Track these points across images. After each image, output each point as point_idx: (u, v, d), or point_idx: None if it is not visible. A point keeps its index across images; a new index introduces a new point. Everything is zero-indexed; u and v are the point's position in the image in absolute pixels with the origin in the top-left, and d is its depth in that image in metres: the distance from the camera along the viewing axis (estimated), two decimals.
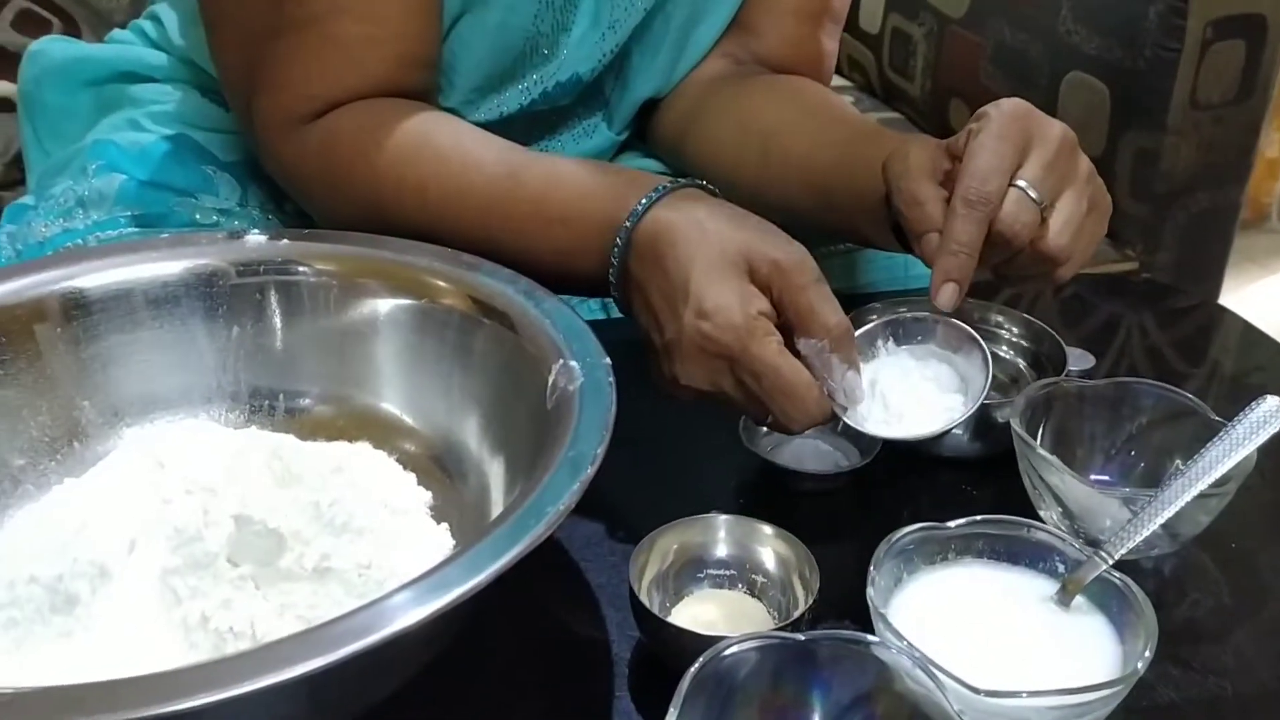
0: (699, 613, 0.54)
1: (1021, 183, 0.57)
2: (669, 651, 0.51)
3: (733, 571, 0.55)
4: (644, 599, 0.51)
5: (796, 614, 0.51)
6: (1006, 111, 0.59)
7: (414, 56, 0.71)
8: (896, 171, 0.61)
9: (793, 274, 0.55)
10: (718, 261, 0.55)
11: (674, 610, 0.54)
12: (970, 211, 0.56)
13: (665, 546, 0.55)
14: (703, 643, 0.46)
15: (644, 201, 0.58)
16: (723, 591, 0.55)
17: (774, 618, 0.53)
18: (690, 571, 0.55)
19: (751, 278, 0.55)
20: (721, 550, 0.56)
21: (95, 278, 0.59)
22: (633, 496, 0.62)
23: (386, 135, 0.67)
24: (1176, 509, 0.52)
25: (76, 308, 0.58)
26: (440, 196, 0.65)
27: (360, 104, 0.69)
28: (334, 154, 0.68)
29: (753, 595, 0.55)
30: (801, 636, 0.45)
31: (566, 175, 0.64)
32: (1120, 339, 0.83)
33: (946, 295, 0.57)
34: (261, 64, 0.68)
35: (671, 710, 0.42)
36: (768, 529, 0.55)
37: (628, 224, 0.58)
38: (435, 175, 0.66)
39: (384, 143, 0.67)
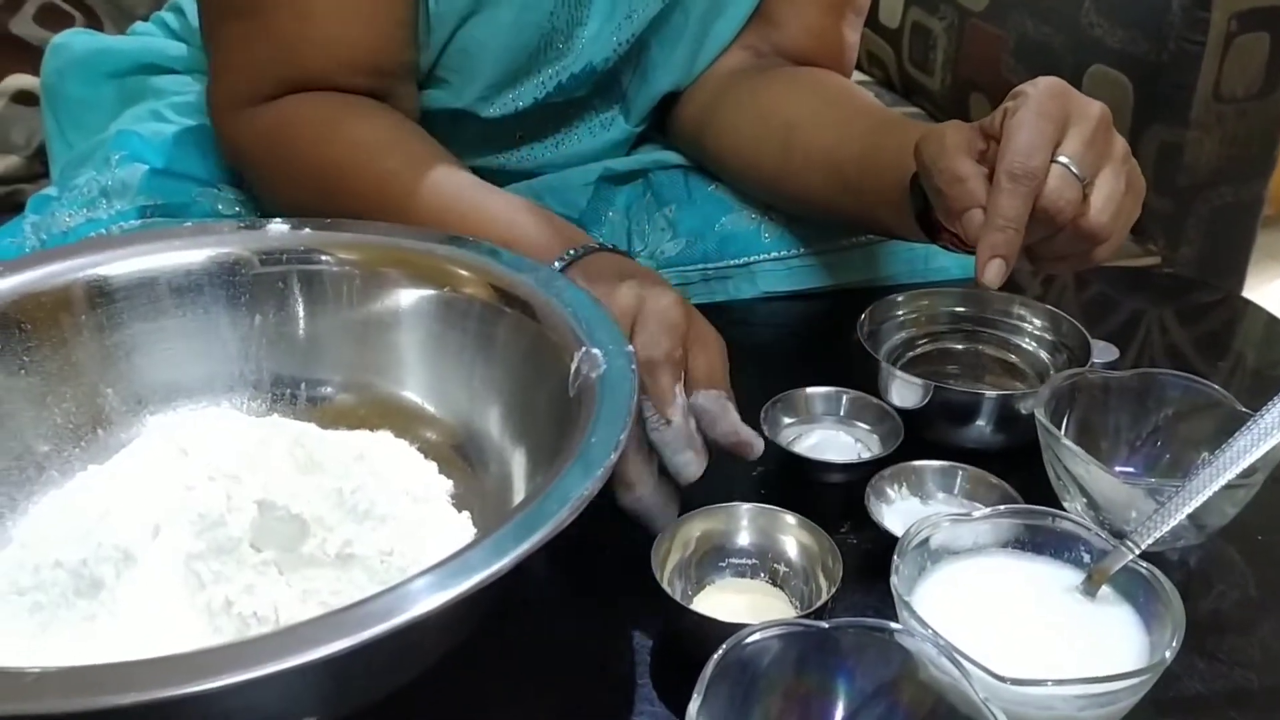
0: (721, 601, 0.53)
1: (1063, 159, 0.56)
2: (691, 639, 0.50)
3: (755, 561, 0.55)
4: (666, 587, 0.51)
5: (819, 603, 0.51)
6: (1044, 89, 0.58)
7: (357, 62, 0.72)
8: (932, 151, 0.60)
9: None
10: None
11: (696, 599, 0.54)
12: (1016, 186, 0.55)
13: (687, 535, 0.55)
14: (724, 630, 0.45)
15: (566, 255, 0.62)
16: (745, 580, 0.55)
17: (796, 607, 0.53)
18: (712, 560, 0.55)
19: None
20: (744, 539, 0.55)
21: (120, 266, 0.59)
22: None
23: (338, 131, 0.69)
24: (1203, 499, 0.51)
25: (101, 295, 0.59)
26: (377, 209, 0.66)
27: (317, 95, 0.71)
28: (281, 140, 0.70)
29: (775, 585, 0.55)
30: (825, 624, 0.45)
31: (500, 216, 0.67)
32: (1143, 332, 0.82)
33: (994, 271, 0.56)
34: (213, 47, 0.72)
35: (695, 697, 0.42)
36: (790, 518, 0.55)
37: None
38: (377, 192, 0.68)
39: (336, 138, 0.69)
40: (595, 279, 0.59)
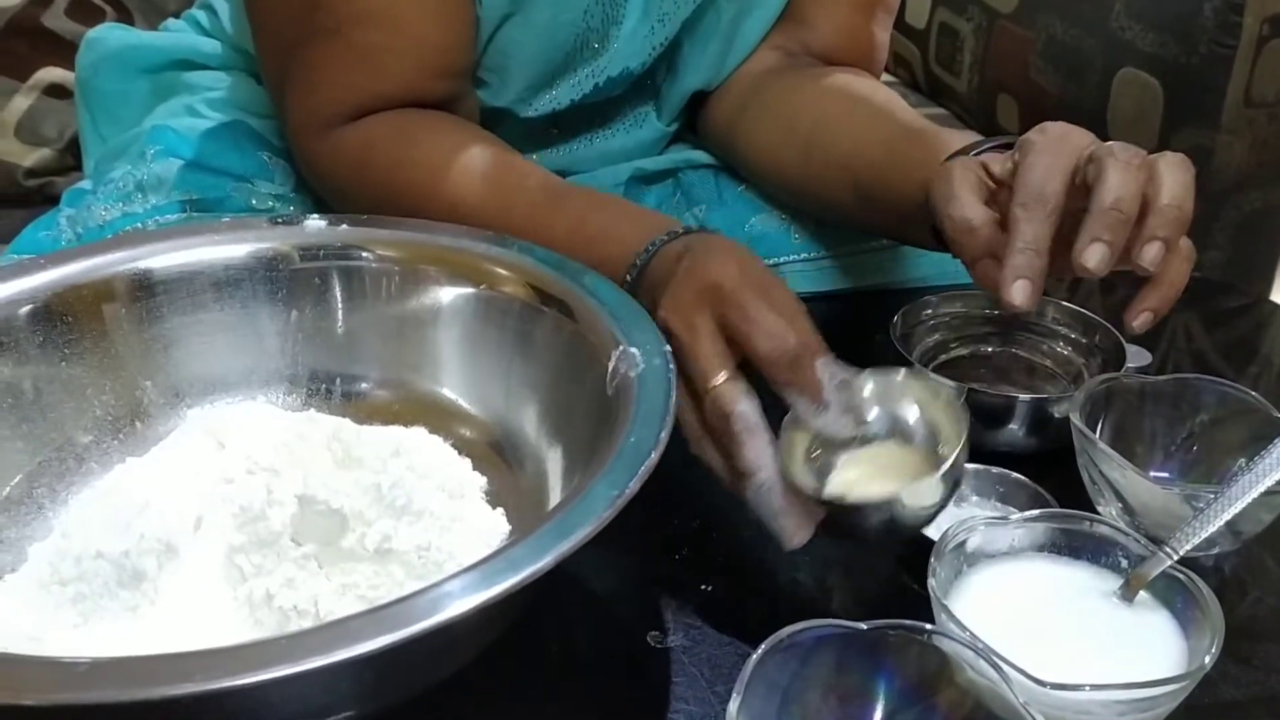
0: (855, 478, 0.53)
1: (1103, 153, 0.55)
2: (833, 526, 0.51)
3: (881, 424, 0.55)
4: (799, 479, 0.51)
5: (951, 456, 0.50)
6: (1052, 131, 0.57)
7: (437, 66, 0.72)
8: (942, 195, 0.59)
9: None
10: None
11: (831, 478, 0.53)
12: (1031, 213, 0.55)
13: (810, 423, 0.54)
14: (851, 512, 0.50)
15: (671, 232, 0.61)
16: (873, 448, 0.54)
17: (929, 462, 0.52)
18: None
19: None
20: (867, 406, 0.55)
21: (161, 259, 0.60)
22: (684, 486, 0.62)
23: (427, 147, 0.70)
24: (1242, 506, 0.51)
25: (141, 289, 0.59)
26: (477, 214, 0.66)
27: (398, 112, 0.71)
28: (369, 160, 0.71)
29: (906, 443, 0.54)
30: (863, 625, 0.45)
31: (605, 200, 0.67)
32: (1171, 337, 0.82)
33: (1020, 291, 0.54)
34: (293, 68, 0.71)
35: (734, 696, 0.42)
36: (899, 375, 0.55)
37: (650, 246, 0.61)
38: (474, 193, 0.68)
39: (412, 161, 0.70)
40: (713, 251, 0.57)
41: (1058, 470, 0.61)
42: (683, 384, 0.53)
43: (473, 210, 0.67)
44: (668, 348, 0.53)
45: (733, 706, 0.42)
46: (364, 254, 0.62)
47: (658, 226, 0.63)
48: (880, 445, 0.54)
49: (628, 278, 0.61)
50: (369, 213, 0.65)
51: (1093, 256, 0.53)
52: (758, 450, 0.51)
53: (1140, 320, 0.56)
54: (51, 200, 0.86)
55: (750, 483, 0.52)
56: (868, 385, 0.55)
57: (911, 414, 0.55)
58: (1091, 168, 0.55)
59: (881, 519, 0.51)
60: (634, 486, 0.45)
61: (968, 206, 0.58)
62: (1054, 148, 0.56)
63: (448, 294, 0.61)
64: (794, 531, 0.51)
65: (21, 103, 1.02)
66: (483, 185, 0.68)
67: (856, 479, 0.53)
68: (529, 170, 0.70)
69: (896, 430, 0.55)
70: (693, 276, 0.55)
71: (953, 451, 0.51)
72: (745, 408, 0.52)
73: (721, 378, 0.52)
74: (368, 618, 0.38)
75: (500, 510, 0.56)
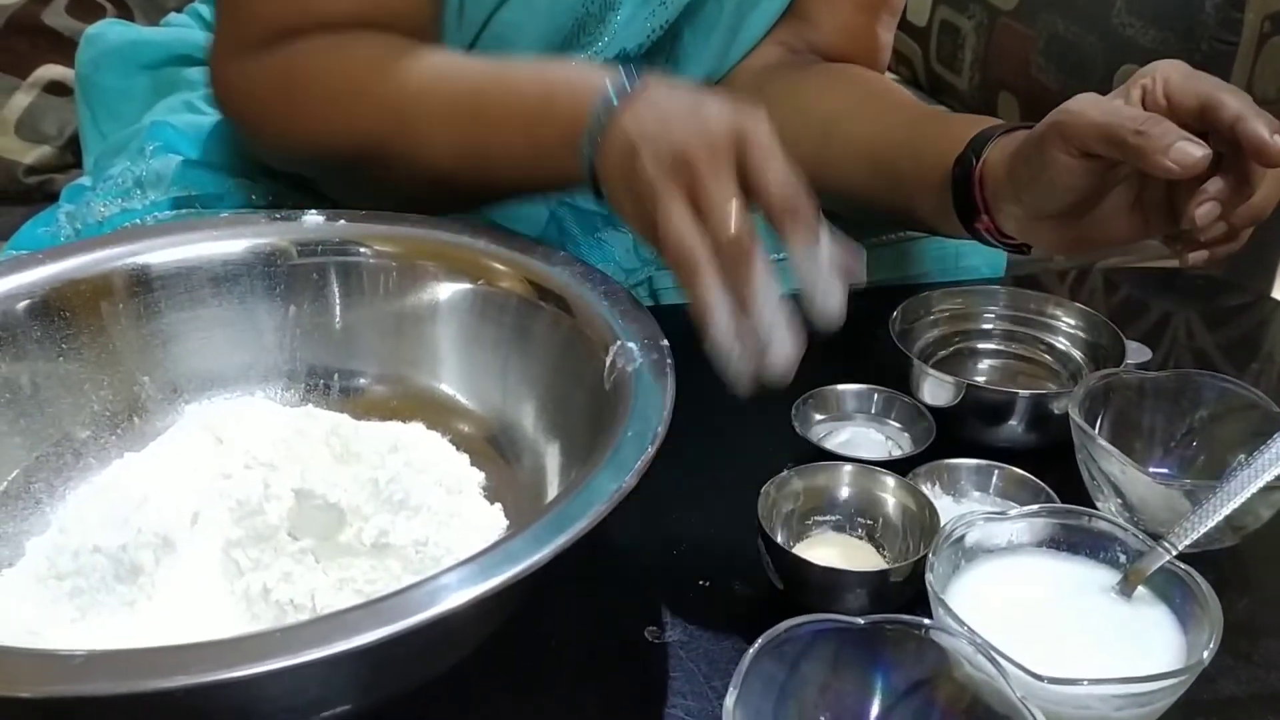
0: (819, 553, 0.55)
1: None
2: (790, 582, 0.54)
3: (855, 516, 0.58)
4: (771, 534, 0.54)
5: (913, 558, 0.52)
6: (1175, 64, 0.60)
7: (374, 18, 0.68)
8: (1100, 114, 0.58)
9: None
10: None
11: (796, 548, 0.55)
12: (1261, 116, 0.55)
13: (793, 489, 0.57)
14: (819, 574, 0.52)
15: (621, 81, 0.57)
16: (843, 535, 0.57)
17: (886, 559, 0.56)
18: (813, 514, 0.58)
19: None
20: (844, 496, 0.58)
21: (159, 255, 0.60)
22: (681, 482, 0.62)
23: (363, 48, 0.66)
24: (1241, 501, 0.51)
25: (139, 284, 0.59)
26: (393, 115, 0.63)
27: (330, 31, 0.68)
28: (287, 72, 0.67)
29: (873, 540, 0.57)
30: (861, 620, 0.45)
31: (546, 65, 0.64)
32: (1173, 334, 0.82)
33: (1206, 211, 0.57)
34: (219, 5, 0.69)
35: (731, 691, 0.42)
36: (890, 479, 0.57)
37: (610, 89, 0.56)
38: (396, 95, 0.64)
39: (346, 57, 0.66)
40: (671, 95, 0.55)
41: (1057, 466, 0.61)
42: (678, 209, 0.50)
43: (414, 100, 0.63)
44: (665, 342, 0.53)
45: (729, 701, 0.42)
46: (362, 249, 0.62)
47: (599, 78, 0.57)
48: (849, 536, 0.57)
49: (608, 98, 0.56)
50: (291, 138, 0.62)
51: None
52: (770, 282, 0.50)
53: (1205, 209, 0.57)
54: (51, 197, 0.86)
55: (755, 313, 0.50)
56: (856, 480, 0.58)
57: (890, 511, 0.57)
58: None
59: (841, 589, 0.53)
60: (631, 480, 0.45)
61: (1132, 109, 0.58)
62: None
63: (445, 289, 0.61)
64: (785, 369, 0.51)
65: (22, 100, 1.02)
66: (428, 72, 0.64)
67: (820, 554, 0.55)
68: (470, 59, 0.67)
69: (868, 526, 0.58)
70: (713, 112, 0.53)
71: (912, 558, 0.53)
72: (758, 240, 0.50)
73: (740, 203, 0.50)
74: (365, 610, 0.38)
75: (498, 505, 0.56)
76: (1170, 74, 0.59)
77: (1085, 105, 0.59)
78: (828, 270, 0.51)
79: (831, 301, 0.51)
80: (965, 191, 0.66)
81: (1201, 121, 0.57)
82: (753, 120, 0.52)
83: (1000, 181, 0.64)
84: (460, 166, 0.63)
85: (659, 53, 0.82)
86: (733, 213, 0.50)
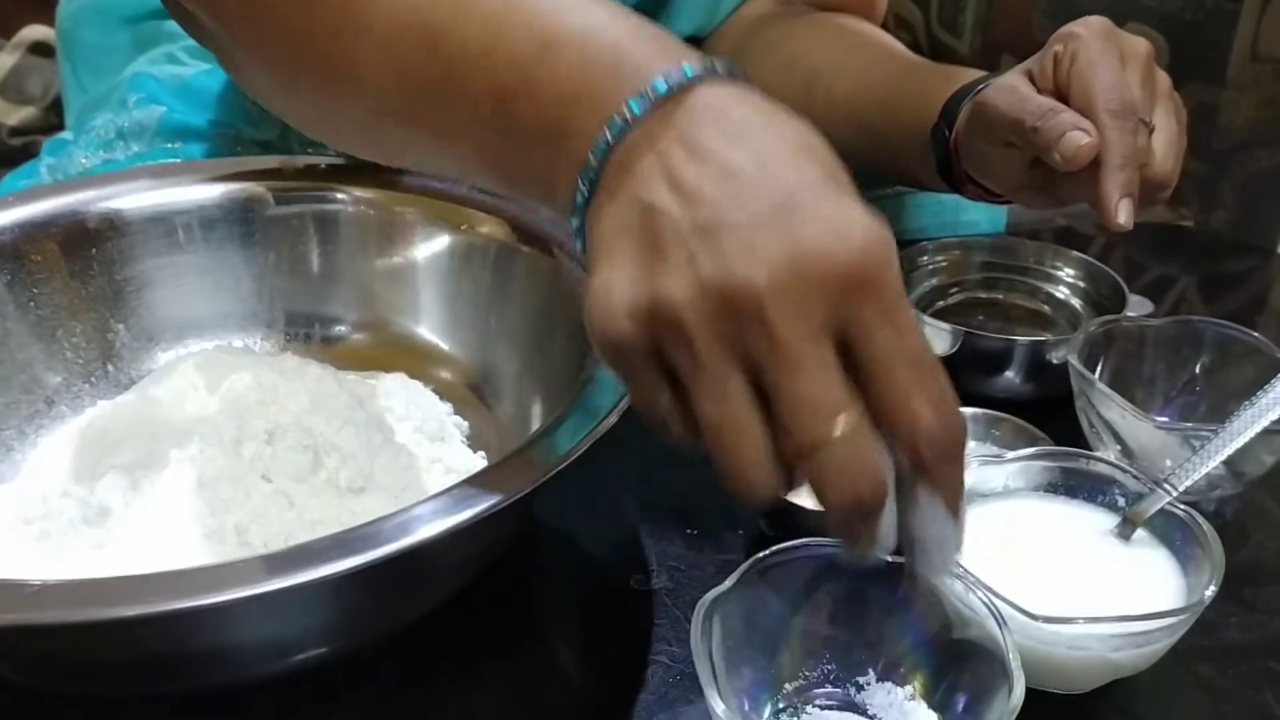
0: (812, 501, 0.53)
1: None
2: (784, 528, 0.51)
3: None
4: None
5: None
6: (1096, 29, 0.57)
7: None
8: (1012, 100, 0.57)
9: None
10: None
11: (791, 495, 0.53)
12: (1122, 122, 0.54)
13: None
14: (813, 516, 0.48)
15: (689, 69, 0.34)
16: None
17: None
18: None
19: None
20: None
21: (132, 199, 0.58)
22: None
23: None
24: (1243, 442, 0.50)
25: (113, 229, 0.58)
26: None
27: None
28: None
29: None
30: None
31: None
32: (1180, 295, 0.80)
33: (1126, 210, 0.54)
34: None
35: (708, 597, 0.41)
36: None
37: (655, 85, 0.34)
38: None
39: None
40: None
41: (1056, 417, 0.60)
42: (735, 393, 0.32)
43: None
44: None
45: (707, 597, 0.41)
46: (340, 195, 0.60)
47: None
48: None
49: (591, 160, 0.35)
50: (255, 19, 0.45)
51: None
52: (888, 527, 0.34)
53: (1125, 210, 0.55)
54: (35, 159, 0.85)
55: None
56: None
57: None
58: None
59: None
60: (611, 418, 0.43)
61: (1038, 97, 0.57)
62: (1107, 47, 0.56)
63: (425, 235, 0.59)
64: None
65: (6, 60, 1.01)
66: None
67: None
68: None
69: None
70: (796, 239, 0.31)
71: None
72: (887, 468, 0.32)
73: (857, 414, 0.32)
74: (334, 539, 0.37)
75: (481, 454, 0.55)
76: (1079, 50, 0.56)
77: (996, 96, 0.59)
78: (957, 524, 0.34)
79: (950, 554, 0.35)
80: (947, 162, 0.65)
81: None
82: (880, 249, 0.31)
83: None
84: (403, 120, 0.43)
85: (646, 7, 0.80)
86: (840, 422, 0.31)
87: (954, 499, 0.33)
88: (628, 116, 0.34)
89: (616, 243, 0.33)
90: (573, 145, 0.35)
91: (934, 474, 0.32)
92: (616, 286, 0.33)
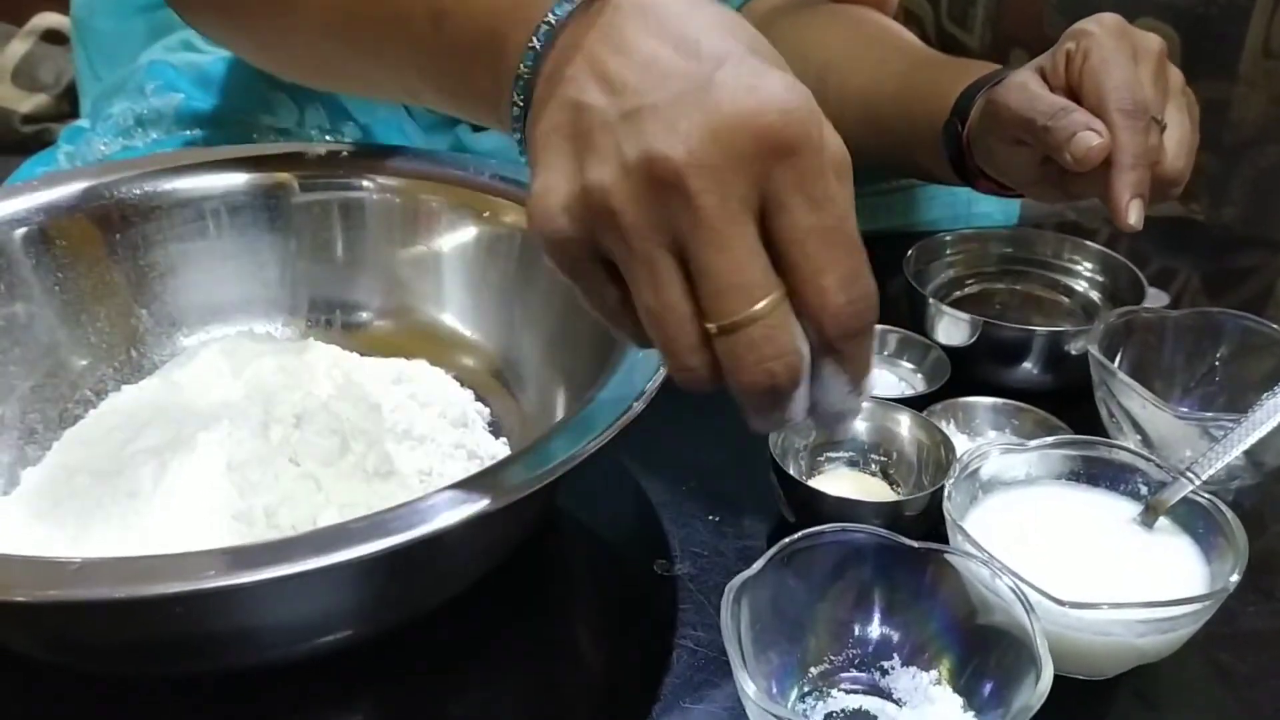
0: (831, 485, 0.54)
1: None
2: (804, 512, 0.52)
3: (868, 452, 0.56)
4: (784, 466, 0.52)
5: (924, 491, 0.51)
6: (1109, 27, 0.57)
7: None
8: (1023, 99, 0.58)
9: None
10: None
11: (809, 481, 0.54)
12: (1134, 122, 0.55)
13: (807, 423, 0.54)
14: (832, 504, 0.50)
15: None
16: (855, 471, 0.56)
17: (899, 492, 0.54)
18: (826, 449, 0.56)
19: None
20: (860, 431, 0.56)
21: (157, 185, 0.58)
22: (691, 416, 0.60)
23: None
24: (1265, 432, 0.50)
25: (138, 215, 0.58)
26: None
27: None
28: None
29: (886, 475, 0.56)
30: (879, 532, 0.44)
31: None
32: (1194, 293, 0.80)
33: (1136, 211, 0.55)
34: None
35: (738, 580, 0.41)
36: (905, 415, 0.56)
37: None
38: None
39: None
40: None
41: (1072, 409, 0.60)
42: (667, 279, 0.32)
43: None
44: None
45: (736, 582, 0.41)
46: (365, 183, 0.61)
47: None
48: (862, 472, 0.56)
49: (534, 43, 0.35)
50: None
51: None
52: (801, 402, 0.34)
53: (1135, 211, 0.55)
54: (48, 147, 0.85)
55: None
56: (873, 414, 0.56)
57: (902, 449, 0.56)
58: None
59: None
60: (637, 407, 0.43)
61: (1050, 95, 0.57)
62: (1120, 45, 0.56)
63: (449, 223, 0.60)
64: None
65: (19, 48, 1.01)
66: None
67: (832, 486, 0.53)
68: None
69: (881, 463, 0.56)
70: (715, 109, 0.31)
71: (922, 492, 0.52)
72: (803, 347, 0.33)
73: (775, 296, 0.32)
74: (365, 521, 0.37)
75: (504, 440, 0.55)
76: (1091, 48, 0.57)
77: (1007, 94, 0.59)
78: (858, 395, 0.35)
79: (848, 423, 0.37)
80: (959, 157, 0.65)
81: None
82: (800, 117, 0.32)
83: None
84: (347, 46, 0.44)
85: None
86: (767, 324, 0.32)
87: (858, 374, 0.34)
88: (553, 21, 0.34)
89: (550, 144, 0.33)
90: (508, 58, 0.35)
91: (839, 350, 0.33)
92: (552, 186, 0.33)
